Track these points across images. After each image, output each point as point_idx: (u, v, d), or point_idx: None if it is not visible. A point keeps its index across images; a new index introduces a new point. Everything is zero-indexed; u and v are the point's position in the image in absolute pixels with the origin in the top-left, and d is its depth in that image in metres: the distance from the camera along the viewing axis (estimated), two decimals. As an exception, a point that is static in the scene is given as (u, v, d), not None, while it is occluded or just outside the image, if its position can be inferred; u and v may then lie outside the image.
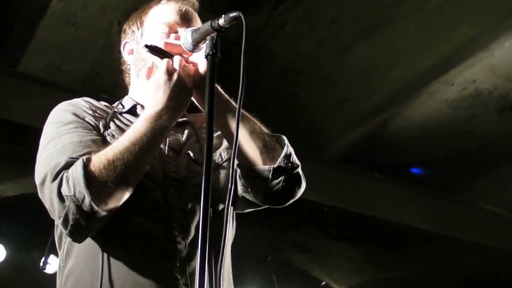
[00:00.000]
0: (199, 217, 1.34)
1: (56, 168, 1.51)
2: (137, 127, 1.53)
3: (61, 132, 1.60)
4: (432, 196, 5.85)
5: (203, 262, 1.27)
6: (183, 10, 1.79)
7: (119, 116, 1.75)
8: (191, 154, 1.72)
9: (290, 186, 1.65)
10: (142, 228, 1.59)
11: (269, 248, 6.44)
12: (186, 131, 1.79)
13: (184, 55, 1.62)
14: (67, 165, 1.50)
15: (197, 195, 1.47)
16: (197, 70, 1.60)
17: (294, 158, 1.66)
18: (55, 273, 1.69)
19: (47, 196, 1.52)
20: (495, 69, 4.45)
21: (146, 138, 1.51)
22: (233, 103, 1.63)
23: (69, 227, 1.49)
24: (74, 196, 1.46)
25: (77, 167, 1.47)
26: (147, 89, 1.59)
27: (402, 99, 4.85)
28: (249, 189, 1.68)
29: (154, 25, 1.78)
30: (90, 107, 1.72)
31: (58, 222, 1.54)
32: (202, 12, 1.84)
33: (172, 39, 1.66)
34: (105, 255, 1.55)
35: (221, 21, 1.50)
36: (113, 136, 1.66)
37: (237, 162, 1.62)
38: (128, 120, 1.74)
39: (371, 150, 5.48)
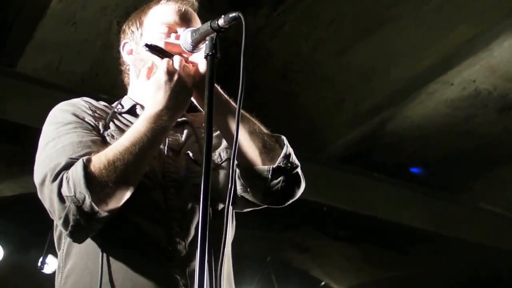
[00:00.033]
0: (198, 217, 1.33)
1: (56, 168, 1.50)
2: (137, 128, 1.53)
3: (60, 132, 1.60)
4: (432, 196, 5.84)
5: (203, 262, 1.27)
6: (183, 10, 1.79)
7: (118, 116, 1.75)
8: (191, 154, 1.72)
9: (289, 186, 1.65)
10: (141, 228, 1.58)
11: (268, 248, 6.43)
12: (185, 131, 1.79)
13: (184, 55, 1.62)
14: (67, 166, 1.50)
15: (196, 195, 1.47)
16: (197, 70, 1.60)
17: (294, 158, 1.65)
18: (53, 273, 1.69)
19: (47, 196, 1.52)
20: (495, 69, 4.44)
21: (146, 138, 1.51)
22: (233, 103, 1.63)
23: (69, 227, 1.49)
24: (75, 196, 1.46)
25: (77, 168, 1.47)
26: (147, 89, 1.59)
27: (402, 99, 4.84)
28: (248, 189, 1.68)
29: (154, 25, 1.78)
30: (89, 107, 1.72)
31: (58, 223, 1.54)
32: (201, 12, 1.84)
33: (172, 38, 1.66)
34: (105, 256, 1.55)
35: (221, 21, 1.50)
36: (112, 136, 1.65)
37: (237, 162, 1.62)
38: (128, 120, 1.74)
39: (371, 150, 5.47)
